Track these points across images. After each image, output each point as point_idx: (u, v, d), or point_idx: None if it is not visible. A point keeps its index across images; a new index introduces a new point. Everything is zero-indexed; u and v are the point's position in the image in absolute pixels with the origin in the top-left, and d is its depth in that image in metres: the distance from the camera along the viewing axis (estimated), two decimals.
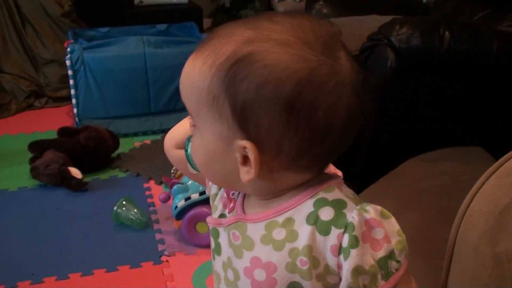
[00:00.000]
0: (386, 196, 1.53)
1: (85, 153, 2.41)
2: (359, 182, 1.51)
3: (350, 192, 0.65)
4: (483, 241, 0.61)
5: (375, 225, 0.60)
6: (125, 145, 2.69)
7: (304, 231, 0.60)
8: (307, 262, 0.60)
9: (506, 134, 1.68)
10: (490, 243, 0.60)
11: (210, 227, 0.71)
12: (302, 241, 0.60)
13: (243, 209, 0.67)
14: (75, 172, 2.30)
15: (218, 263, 0.70)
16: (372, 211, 0.61)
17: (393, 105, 1.70)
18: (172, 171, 2.32)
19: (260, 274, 0.63)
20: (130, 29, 3.15)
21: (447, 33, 1.60)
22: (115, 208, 2.02)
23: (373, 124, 1.74)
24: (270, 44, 0.57)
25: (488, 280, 0.60)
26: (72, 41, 2.87)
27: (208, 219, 0.71)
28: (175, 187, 1.91)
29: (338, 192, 0.63)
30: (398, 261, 0.61)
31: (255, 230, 0.64)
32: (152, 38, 2.97)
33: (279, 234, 0.62)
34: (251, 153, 0.58)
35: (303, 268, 0.60)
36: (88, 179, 2.36)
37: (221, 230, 0.69)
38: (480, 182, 0.65)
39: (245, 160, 0.60)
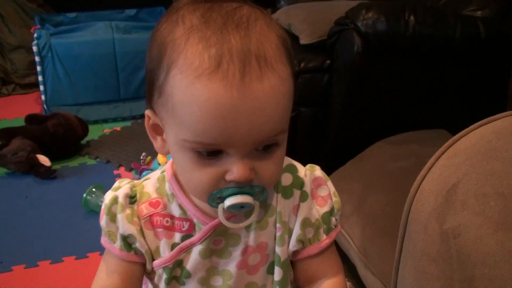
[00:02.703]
0: (353, 178, 1.55)
1: (53, 141, 2.38)
2: (327, 165, 1.52)
3: None
4: (432, 219, 0.63)
5: (322, 183, 0.68)
6: (94, 132, 2.66)
7: (275, 201, 0.66)
8: (280, 228, 0.66)
9: (469, 117, 1.71)
10: (438, 221, 0.62)
11: (169, 265, 0.67)
12: (276, 210, 0.66)
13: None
14: (44, 159, 2.28)
15: (192, 284, 0.68)
16: (318, 170, 0.68)
17: (360, 89, 1.72)
18: (141, 157, 2.31)
19: (254, 258, 0.66)
20: (98, 14, 3.09)
21: (412, 17, 1.62)
22: (84, 195, 2.00)
23: (341, 108, 1.76)
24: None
25: (436, 256, 0.62)
26: (38, 26, 2.81)
27: (159, 261, 0.67)
28: (144, 173, 1.90)
29: (286, 158, 0.67)
30: (336, 219, 0.68)
31: (236, 225, 0.64)
32: (121, 23, 2.94)
33: (260, 214, 0.65)
34: None
35: (278, 234, 0.66)
36: (57, 166, 2.34)
37: (186, 254, 0.66)
38: (431, 162, 0.67)
39: None
